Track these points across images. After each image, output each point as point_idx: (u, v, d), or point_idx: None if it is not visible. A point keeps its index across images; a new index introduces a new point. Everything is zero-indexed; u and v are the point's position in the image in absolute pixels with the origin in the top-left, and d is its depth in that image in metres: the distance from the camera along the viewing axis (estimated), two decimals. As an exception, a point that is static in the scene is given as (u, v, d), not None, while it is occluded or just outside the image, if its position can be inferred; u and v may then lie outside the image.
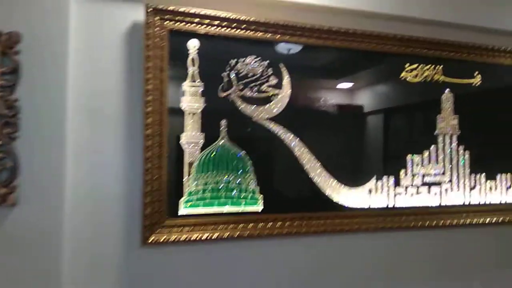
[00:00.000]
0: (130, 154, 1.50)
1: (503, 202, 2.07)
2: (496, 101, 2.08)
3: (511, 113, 2.10)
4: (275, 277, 1.66)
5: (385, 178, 1.84)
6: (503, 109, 2.09)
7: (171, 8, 1.51)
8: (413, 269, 1.88)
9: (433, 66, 1.94)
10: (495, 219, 2.02)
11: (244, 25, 1.62)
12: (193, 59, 1.57)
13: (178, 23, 1.54)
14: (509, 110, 2.09)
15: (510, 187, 2.08)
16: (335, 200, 1.76)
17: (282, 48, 1.69)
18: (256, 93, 1.65)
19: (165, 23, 1.52)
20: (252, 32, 1.64)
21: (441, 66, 1.95)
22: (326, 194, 1.75)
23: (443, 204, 1.94)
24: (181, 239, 1.53)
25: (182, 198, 1.55)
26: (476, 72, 2.03)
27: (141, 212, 1.48)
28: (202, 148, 1.58)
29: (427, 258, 1.92)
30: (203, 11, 1.55)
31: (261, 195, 1.65)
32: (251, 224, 1.62)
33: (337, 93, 1.80)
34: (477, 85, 2.03)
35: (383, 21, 1.84)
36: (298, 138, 1.70)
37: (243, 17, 1.61)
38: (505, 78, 2.08)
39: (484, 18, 1.99)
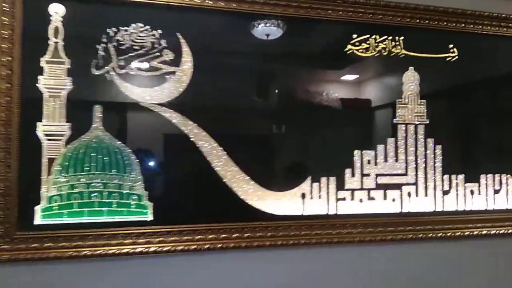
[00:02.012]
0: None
1: (489, 209, 1.60)
2: (478, 81, 1.62)
3: (497, 96, 1.63)
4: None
5: (323, 179, 1.43)
6: (487, 91, 1.63)
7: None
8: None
9: (390, 37, 1.51)
10: (476, 231, 1.57)
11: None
12: (56, 29, 1.22)
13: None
14: (494, 92, 1.63)
15: (499, 191, 1.61)
16: (255, 206, 1.37)
17: (181, 13, 1.32)
18: (144, 71, 1.28)
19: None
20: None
21: (402, 37, 1.52)
22: (243, 199, 1.36)
23: (405, 211, 1.51)
24: (35, 256, 1.18)
25: (39, 205, 1.20)
26: (451, 45, 1.58)
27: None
28: (68, 142, 1.22)
29: (383, 281, 1.48)
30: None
31: (151, 203, 1.27)
32: (132, 239, 1.25)
33: (257, 74, 1.41)
34: (452, 61, 1.58)
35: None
36: (203, 130, 1.32)
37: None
38: (489, 52, 1.62)
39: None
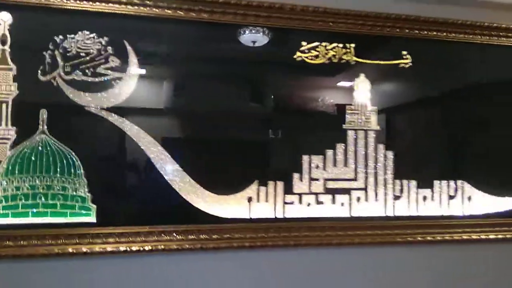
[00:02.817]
0: None
1: (444, 215, 1.61)
2: (431, 88, 1.64)
3: (450, 102, 1.64)
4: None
5: (271, 183, 1.45)
6: (440, 97, 1.64)
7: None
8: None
9: (341, 44, 1.53)
10: (429, 237, 1.57)
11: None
12: (3, 36, 1.27)
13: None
14: (448, 98, 1.64)
15: (453, 197, 1.62)
16: (201, 209, 1.41)
17: (127, 21, 1.36)
18: (91, 77, 1.33)
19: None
20: (87, 3, 1.32)
21: (353, 44, 1.54)
22: (188, 202, 1.39)
23: (354, 216, 1.52)
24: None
25: (-16, 206, 1.24)
26: (405, 52, 1.59)
27: None
28: (14, 145, 1.27)
29: (329, 285, 1.50)
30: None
31: (95, 205, 1.31)
32: (76, 240, 1.29)
33: (205, 78, 1.45)
34: (406, 67, 1.59)
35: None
36: (148, 134, 1.36)
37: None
38: (444, 59, 1.63)
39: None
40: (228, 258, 1.41)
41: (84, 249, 1.30)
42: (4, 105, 1.28)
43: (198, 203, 1.40)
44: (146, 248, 1.34)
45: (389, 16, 1.57)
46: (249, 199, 1.45)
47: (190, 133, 1.44)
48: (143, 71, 1.37)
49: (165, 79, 1.41)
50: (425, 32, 1.62)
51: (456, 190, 1.63)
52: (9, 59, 1.29)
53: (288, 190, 1.49)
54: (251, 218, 1.45)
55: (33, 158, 1.29)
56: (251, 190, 1.46)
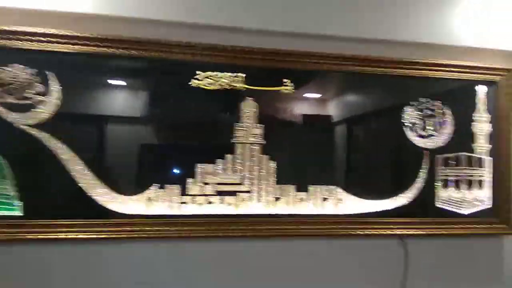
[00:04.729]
0: None
1: (319, 214, 1.97)
2: (309, 108, 2.01)
3: (326, 122, 2.01)
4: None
5: (168, 186, 1.82)
6: (317, 116, 2.01)
7: None
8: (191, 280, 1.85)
9: (232, 74, 1.90)
10: (304, 231, 1.94)
11: (8, 35, 1.67)
12: None
13: None
14: (324, 119, 2.01)
15: (326, 199, 1.98)
16: (107, 207, 1.76)
17: (52, 56, 1.72)
18: (20, 100, 1.68)
19: None
20: (18, 41, 1.68)
21: (243, 74, 1.91)
22: (96, 201, 1.74)
23: (239, 213, 1.89)
24: None
25: None
26: (286, 80, 1.96)
27: None
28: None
29: (214, 273, 1.88)
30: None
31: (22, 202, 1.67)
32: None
33: (120, 99, 1.81)
34: (287, 93, 1.96)
35: (171, 28, 1.83)
36: (64, 144, 1.71)
37: (7, 28, 1.66)
38: (320, 84, 2.01)
39: (291, 22, 1.93)
40: (128, 247, 1.77)
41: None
42: None
43: (105, 202, 1.75)
44: (60, 237, 1.69)
45: (273, 51, 1.92)
46: (149, 199, 1.81)
47: (96, 140, 1.79)
48: (62, 95, 1.72)
49: (76, 102, 1.76)
50: (303, 63, 1.97)
51: (328, 193, 1.98)
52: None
53: (183, 192, 1.84)
54: (149, 214, 1.80)
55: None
56: (151, 191, 1.81)
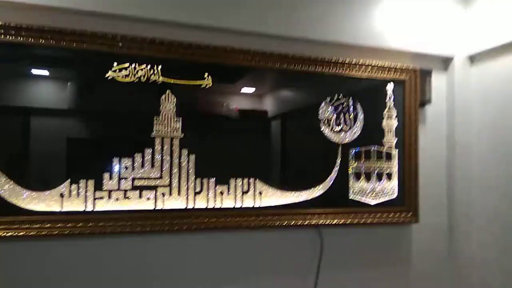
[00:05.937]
0: None
1: (237, 206, 1.99)
2: (227, 103, 2.03)
3: (245, 114, 2.04)
4: None
5: (82, 181, 1.74)
6: (235, 112, 2.04)
7: None
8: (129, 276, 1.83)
9: (149, 66, 1.86)
10: (223, 224, 1.95)
11: None
12: None
13: None
14: (243, 111, 2.04)
15: (246, 192, 2.01)
16: (15, 204, 1.65)
17: None
18: None
19: None
20: None
21: (159, 66, 1.88)
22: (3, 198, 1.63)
23: (158, 208, 1.86)
24: None
25: None
26: (206, 74, 1.96)
27: None
28: None
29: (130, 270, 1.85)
30: None
31: None
32: None
33: (38, 91, 1.72)
34: (207, 87, 1.96)
35: (85, 17, 1.78)
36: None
37: None
38: (237, 79, 2.04)
39: (206, 16, 1.93)
40: (37, 245, 1.69)
41: None
42: None
43: (11, 199, 1.65)
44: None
45: (191, 45, 1.92)
46: (61, 195, 1.73)
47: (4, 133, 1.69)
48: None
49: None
50: (222, 58, 1.98)
51: (248, 186, 2.02)
52: None
53: (99, 187, 1.78)
54: (62, 211, 1.72)
55: None
56: (63, 187, 1.73)
